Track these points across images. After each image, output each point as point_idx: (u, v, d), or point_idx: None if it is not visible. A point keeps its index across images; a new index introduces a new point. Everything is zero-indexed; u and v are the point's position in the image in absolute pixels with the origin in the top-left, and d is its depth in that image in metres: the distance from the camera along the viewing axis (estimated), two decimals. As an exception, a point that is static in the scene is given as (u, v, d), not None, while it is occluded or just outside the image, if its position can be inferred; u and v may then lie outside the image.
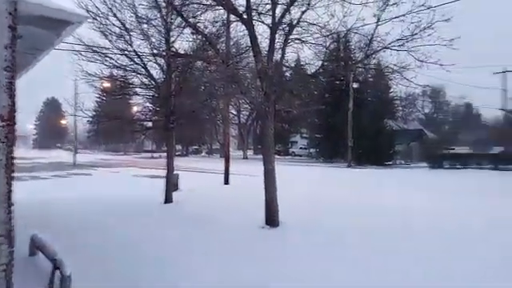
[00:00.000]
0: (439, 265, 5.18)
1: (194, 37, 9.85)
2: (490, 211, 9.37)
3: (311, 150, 44.89)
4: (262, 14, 7.71)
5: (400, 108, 50.00)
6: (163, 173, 10.83)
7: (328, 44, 7.97)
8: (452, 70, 7.44)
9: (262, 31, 7.97)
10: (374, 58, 9.03)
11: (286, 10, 7.47)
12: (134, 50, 9.62)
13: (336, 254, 5.64)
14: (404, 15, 6.79)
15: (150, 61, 10.02)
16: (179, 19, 9.02)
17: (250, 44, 7.96)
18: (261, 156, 8.00)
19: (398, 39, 6.89)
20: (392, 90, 41.88)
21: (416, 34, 6.76)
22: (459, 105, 58.78)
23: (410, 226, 7.60)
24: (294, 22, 7.53)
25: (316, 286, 4.53)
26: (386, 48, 7.10)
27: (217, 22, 8.97)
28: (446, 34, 6.74)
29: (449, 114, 60.25)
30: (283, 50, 7.83)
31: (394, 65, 7.52)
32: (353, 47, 10.28)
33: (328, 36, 7.64)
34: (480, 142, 40.56)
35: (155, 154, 50.52)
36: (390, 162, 33.62)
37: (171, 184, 10.73)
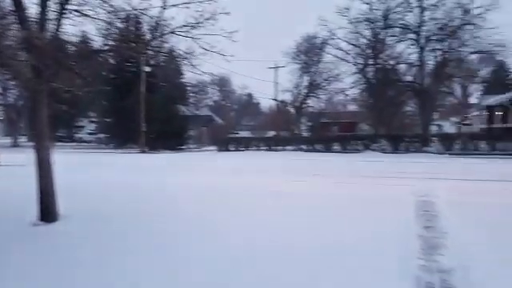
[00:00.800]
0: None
1: None
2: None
3: (101, 136, 41.91)
4: (27, -27, 6.49)
5: (192, 94, 52.30)
6: None
7: (114, 21, 7.45)
8: (234, 61, 8.18)
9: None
10: (166, 43, 9.01)
11: (60, -25, 6.51)
12: None
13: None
14: (189, 3, 6.97)
15: None
16: None
17: (13, 8, 6.62)
18: (36, 143, 6.86)
19: (184, 25, 7.05)
20: (183, 75, 43.30)
21: (200, 22, 7.05)
22: (242, 94, 66.25)
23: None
24: (71, -10, 6.65)
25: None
26: (172, 33, 7.16)
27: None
28: (227, 26, 7.30)
29: (234, 102, 67.09)
30: (59, 20, 6.83)
31: (182, 51, 7.73)
32: (144, 29, 9.93)
33: (111, 13, 7.10)
34: (258, 127, 47.00)
35: None
36: (183, 147, 35.08)
37: None
